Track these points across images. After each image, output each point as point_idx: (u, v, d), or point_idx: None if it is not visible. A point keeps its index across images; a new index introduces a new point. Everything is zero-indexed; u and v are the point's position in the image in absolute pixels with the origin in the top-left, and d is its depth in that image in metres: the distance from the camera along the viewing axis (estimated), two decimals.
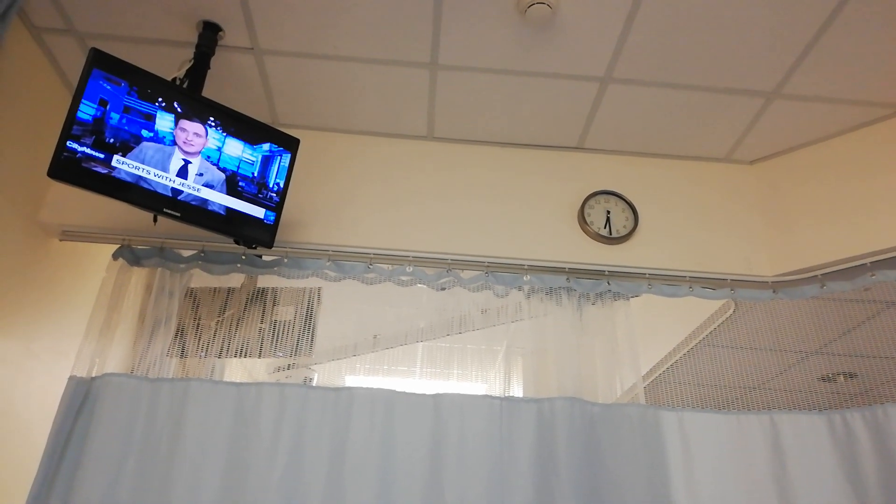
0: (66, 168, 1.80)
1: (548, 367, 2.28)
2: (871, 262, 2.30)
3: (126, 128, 1.90)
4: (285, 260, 2.36)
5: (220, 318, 2.31)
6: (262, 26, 2.19)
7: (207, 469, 1.94)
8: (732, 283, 2.44)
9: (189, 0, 2.10)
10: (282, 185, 2.20)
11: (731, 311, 2.77)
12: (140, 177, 1.92)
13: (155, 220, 2.20)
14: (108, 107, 1.87)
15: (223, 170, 2.08)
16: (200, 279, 2.37)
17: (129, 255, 2.30)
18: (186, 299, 2.34)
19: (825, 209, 2.42)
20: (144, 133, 1.93)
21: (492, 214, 2.51)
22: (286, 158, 2.22)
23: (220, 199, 2.07)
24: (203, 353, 2.25)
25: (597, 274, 2.43)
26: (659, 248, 2.49)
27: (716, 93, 2.37)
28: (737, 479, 2.05)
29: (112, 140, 1.88)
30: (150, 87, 1.95)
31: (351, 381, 2.64)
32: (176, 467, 1.92)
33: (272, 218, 2.18)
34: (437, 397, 2.12)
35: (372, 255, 2.40)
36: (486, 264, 2.42)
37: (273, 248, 2.25)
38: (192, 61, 2.17)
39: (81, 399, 2.00)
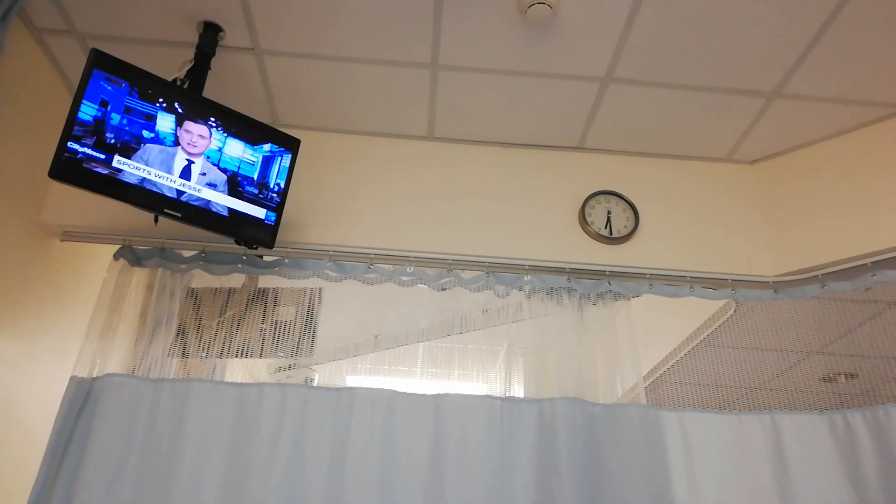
0: (67, 168, 1.81)
1: (549, 368, 2.28)
2: (871, 262, 2.29)
3: (127, 128, 1.90)
4: (286, 260, 2.36)
5: (220, 319, 2.31)
6: (263, 27, 2.19)
7: (208, 469, 1.94)
8: (733, 283, 2.44)
9: (190, 1, 2.10)
10: (282, 186, 2.20)
11: (732, 311, 2.76)
12: (141, 177, 1.92)
13: (156, 220, 2.20)
14: (108, 107, 1.88)
15: (224, 170, 2.08)
16: (201, 279, 2.37)
17: (130, 255, 2.30)
18: (187, 299, 2.34)
19: (826, 209, 2.42)
20: (145, 133, 1.94)
21: (492, 214, 2.51)
22: (287, 159, 2.22)
23: (221, 200, 2.07)
24: (204, 354, 2.26)
25: (598, 274, 2.43)
26: (660, 248, 2.49)
27: (716, 93, 2.37)
28: (738, 480, 2.05)
29: (113, 140, 1.88)
30: (150, 88, 1.95)
31: (352, 381, 2.64)
32: (177, 468, 1.93)
33: (273, 218, 2.18)
34: (437, 397, 2.12)
35: (373, 256, 2.40)
36: (487, 264, 2.42)
37: (274, 249, 2.25)
38: (193, 62, 2.17)
39: (83, 399, 2.00)
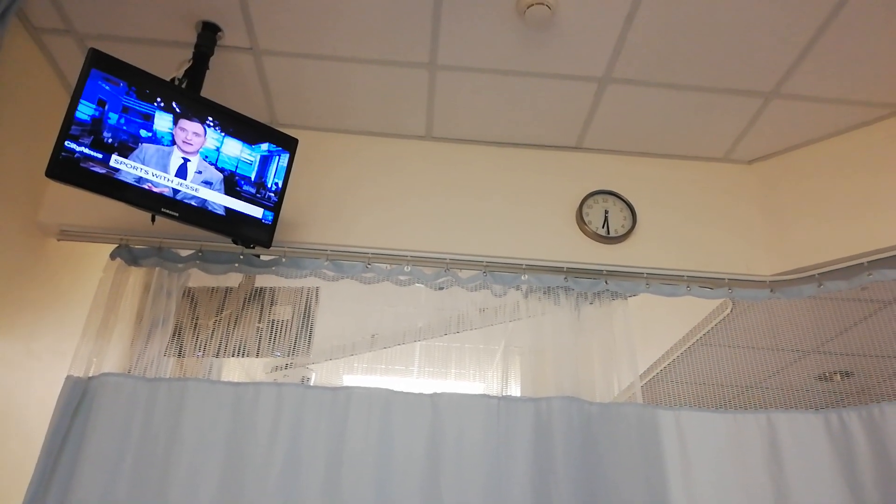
0: (64, 168, 1.80)
1: (545, 367, 2.28)
2: (868, 262, 2.30)
3: (125, 128, 1.90)
4: (283, 259, 2.36)
5: (217, 318, 2.31)
6: (261, 26, 2.19)
7: (205, 469, 1.94)
8: (730, 282, 2.45)
9: (188, 1, 2.10)
10: (280, 185, 2.20)
11: (729, 310, 2.77)
12: (138, 177, 1.92)
13: (153, 219, 2.20)
14: (106, 107, 1.87)
15: (221, 170, 2.08)
16: (198, 279, 2.37)
17: (127, 254, 2.30)
18: (184, 299, 2.34)
19: (823, 209, 2.43)
20: (143, 133, 1.94)
21: (490, 214, 2.52)
22: (284, 158, 2.22)
23: (219, 199, 2.08)
24: (200, 353, 2.26)
25: (595, 273, 2.43)
26: (657, 247, 2.49)
27: (714, 93, 2.38)
28: (734, 478, 2.05)
29: (110, 140, 1.88)
30: (148, 88, 1.95)
31: (349, 380, 2.64)
32: (173, 467, 1.93)
33: (270, 218, 2.18)
34: (434, 397, 2.12)
35: (370, 255, 2.40)
36: (485, 264, 2.42)
37: (271, 248, 2.25)
38: (191, 61, 2.17)
39: (78, 399, 2.00)
